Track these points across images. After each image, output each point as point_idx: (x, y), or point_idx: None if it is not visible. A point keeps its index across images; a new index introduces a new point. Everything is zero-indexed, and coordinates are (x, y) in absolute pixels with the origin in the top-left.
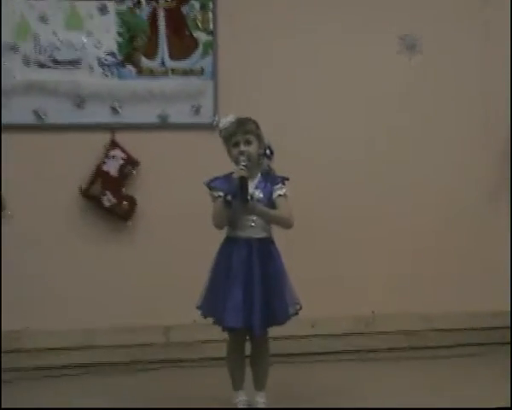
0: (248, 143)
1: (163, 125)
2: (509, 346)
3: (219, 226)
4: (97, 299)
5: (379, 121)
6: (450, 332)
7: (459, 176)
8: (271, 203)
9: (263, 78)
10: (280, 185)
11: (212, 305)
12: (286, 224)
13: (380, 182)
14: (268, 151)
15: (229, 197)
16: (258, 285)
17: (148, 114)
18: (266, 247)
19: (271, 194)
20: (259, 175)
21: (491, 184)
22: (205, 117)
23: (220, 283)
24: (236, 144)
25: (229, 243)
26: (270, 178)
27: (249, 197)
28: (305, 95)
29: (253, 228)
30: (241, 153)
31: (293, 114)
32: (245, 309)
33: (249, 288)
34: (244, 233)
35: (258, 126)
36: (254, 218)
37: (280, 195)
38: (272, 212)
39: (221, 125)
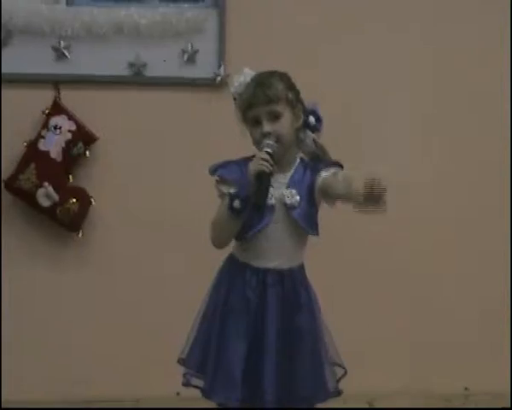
0: (276, 116)
1: (136, 79)
2: None
3: (218, 243)
4: (26, 355)
5: None
6: None
7: None
8: (311, 213)
9: (292, 7)
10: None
11: (201, 361)
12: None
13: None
14: (312, 119)
15: (236, 203)
16: (273, 343)
17: (113, 62)
18: (291, 284)
19: (312, 189)
20: (298, 161)
21: None
22: (203, 68)
23: (213, 329)
24: (257, 122)
25: (234, 267)
26: (313, 165)
27: (272, 200)
28: (346, 34)
29: (270, 252)
30: (265, 135)
31: (330, 62)
32: (248, 378)
33: (259, 345)
34: (257, 260)
35: (291, 85)
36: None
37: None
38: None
39: (233, 88)
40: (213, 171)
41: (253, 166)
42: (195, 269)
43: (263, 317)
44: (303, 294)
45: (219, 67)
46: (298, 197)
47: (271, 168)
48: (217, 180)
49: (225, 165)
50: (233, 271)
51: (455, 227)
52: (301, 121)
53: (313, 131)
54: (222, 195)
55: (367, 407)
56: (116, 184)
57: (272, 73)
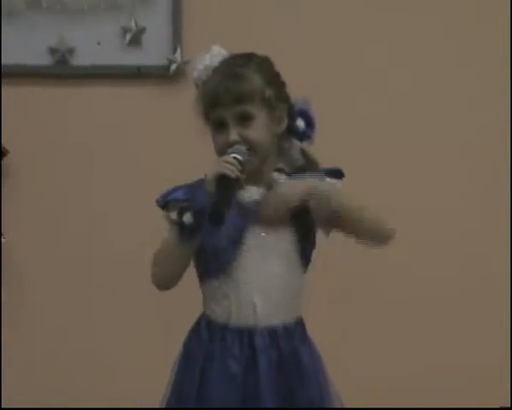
0: (246, 119)
1: (60, 69)
2: None
3: (160, 278)
4: None
5: None
6: None
7: None
8: (306, 233)
9: None
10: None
11: None
12: (381, 227)
13: None
14: (301, 123)
15: (187, 218)
16: None
17: (29, 47)
18: (289, 345)
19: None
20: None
21: None
22: (152, 53)
23: None
24: (221, 124)
25: (208, 331)
26: (297, 176)
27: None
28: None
29: (251, 302)
30: (231, 144)
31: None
32: None
33: None
34: (237, 317)
35: (271, 77)
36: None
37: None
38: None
39: (195, 72)
40: (164, 198)
41: (211, 171)
42: (146, 331)
43: (255, 395)
44: (305, 357)
45: (174, 51)
46: None
47: (238, 174)
48: (167, 209)
49: (176, 189)
50: (207, 336)
51: None
52: (284, 126)
53: (301, 140)
54: (171, 224)
55: None
56: (35, 213)
57: (247, 59)
